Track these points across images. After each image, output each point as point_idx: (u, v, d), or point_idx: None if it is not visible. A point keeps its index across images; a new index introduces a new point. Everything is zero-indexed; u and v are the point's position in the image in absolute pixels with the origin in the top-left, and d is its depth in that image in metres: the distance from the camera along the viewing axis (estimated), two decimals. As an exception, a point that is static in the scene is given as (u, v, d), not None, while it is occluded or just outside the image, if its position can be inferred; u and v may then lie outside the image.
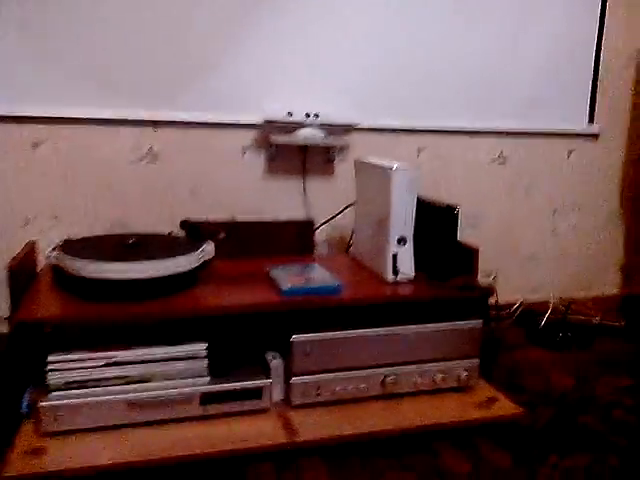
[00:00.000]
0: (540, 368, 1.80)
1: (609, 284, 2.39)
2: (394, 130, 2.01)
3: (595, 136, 2.24)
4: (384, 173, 1.51)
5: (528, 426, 1.44)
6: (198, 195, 1.89)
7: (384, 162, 1.53)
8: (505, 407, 1.44)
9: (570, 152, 2.23)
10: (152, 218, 1.85)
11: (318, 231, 1.99)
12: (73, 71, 1.73)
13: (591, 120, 2.21)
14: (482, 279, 2.18)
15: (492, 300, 2.16)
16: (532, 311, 2.15)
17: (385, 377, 1.44)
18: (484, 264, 2.21)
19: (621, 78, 2.23)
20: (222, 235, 1.52)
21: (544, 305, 2.16)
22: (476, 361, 1.50)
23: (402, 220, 1.51)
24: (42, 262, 1.58)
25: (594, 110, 2.21)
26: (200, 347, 1.35)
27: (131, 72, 1.77)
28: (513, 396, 1.51)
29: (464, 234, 2.11)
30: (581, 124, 2.20)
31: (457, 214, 1.53)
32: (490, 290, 1.55)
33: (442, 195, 2.10)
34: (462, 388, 1.50)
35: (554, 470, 1.25)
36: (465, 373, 1.49)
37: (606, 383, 1.71)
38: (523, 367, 1.81)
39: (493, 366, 1.77)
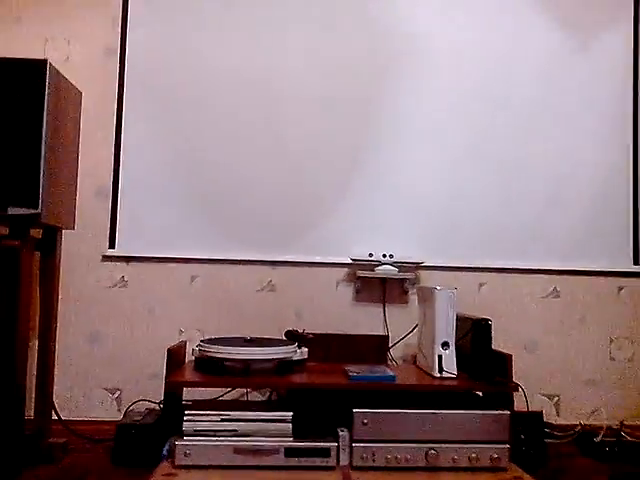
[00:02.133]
0: (583, 472, 2.03)
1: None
2: (458, 268, 2.53)
3: (643, 275, 2.57)
4: (432, 293, 2.03)
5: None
6: (301, 316, 2.50)
7: (433, 285, 2.05)
8: (527, 483, 1.74)
9: (620, 289, 2.56)
10: (267, 331, 2.47)
11: (395, 348, 2.47)
12: (221, 229, 2.51)
13: (636, 261, 2.56)
14: (545, 401, 2.49)
15: (553, 420, 2.45)
16: (591, 432, 2.36)
17: (428, 451, 1.82)
18: (546, 388, 2.53)
19: (662, 226, 2.60)
20: (310, 336, 2.08)
21: (603, 430, 2.37)
22: (506, 446, 1.84)
23: (445, 328, 1.98)
24: (188, 359, 2.23)
25: (637, 252, 2.56)
26: (287, 414, 1.86)
27: (257, 229, 2.52)
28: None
29: (523, 359, 2.48)
30: (627, 264, 2.56)
31: (489, 325, 1.97)
32: (517, 387, 1.90)
33: (502, 324, 2.51)
34: (494, 469, 1.82)
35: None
36: (496, 455, 1.83)
37: (642, 485, 1.90)
38: (568, 470, 2.05)
39: (540, 467, 2.05)
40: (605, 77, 2.64)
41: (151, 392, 2.44)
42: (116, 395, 2.44)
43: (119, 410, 2.42)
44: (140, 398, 2.42)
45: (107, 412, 2.43)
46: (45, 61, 1.93)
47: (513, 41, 2.62)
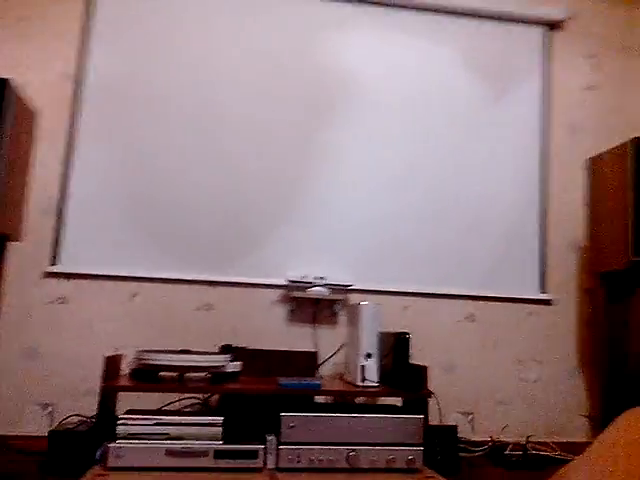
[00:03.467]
0: (490, 476, 2.22)
1: (578, 432, 2.77)
2: (384, 292, 2.73)
3: (548, 302, 2.84)
4: (356, 308, 2.21)
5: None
6: (237, 333, 2.62)
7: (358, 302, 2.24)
8: (437, 480, 1.90)
9: (529, 314, 2.83)
10: (204, 348, 2.58)
11: (324, 367, 2.63)
12: (162, 250, 2.64)
13: (543, 289, 2.84)
14: (460, 418, 2.68)
15: (467, 436, 2.64)
16: (501, 446, 2.57)
17: (349, 453, 1.97)
18: (461, 406, 2.72)
19: (566, 258, 2.90)
20: (241, 348, 2.21)
21: (513, 444, 2.58)
22: (420, 448, 2.00)
23: (368, 340, 2.16)
24: (124, 372, 2.31)
25: (544, 281, 2.85)
26: (218, 419, 1.97)
27: (197, 250, 2.66)
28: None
29: (441, 378, 2.68)
30: (535, 292, 2.83)
31: (408, 339, 2.16)
32: (430, 394, 2.09)
33: (421, 345, 2.72)
34: (410, 470, 1.98)
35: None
36: (411, 457, 1.99)
37: (540, 486, 2.10)
38: (478, 476, 2.23)
39: (453, 475, 2.22)
40: (518, 121, 2.97)
41: (85, 408, 2.49)
42: (49, 410, 2.48)
43: (51, 426, 2.45)
44: (73, 413, 2.46)
45: (39, 427, 2.45)
46: (6, 79, 2.07)
47: (437, 85, 2.93)
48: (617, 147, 2.62)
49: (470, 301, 2.80)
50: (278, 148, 2.77)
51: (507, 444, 2.53)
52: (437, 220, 2.83)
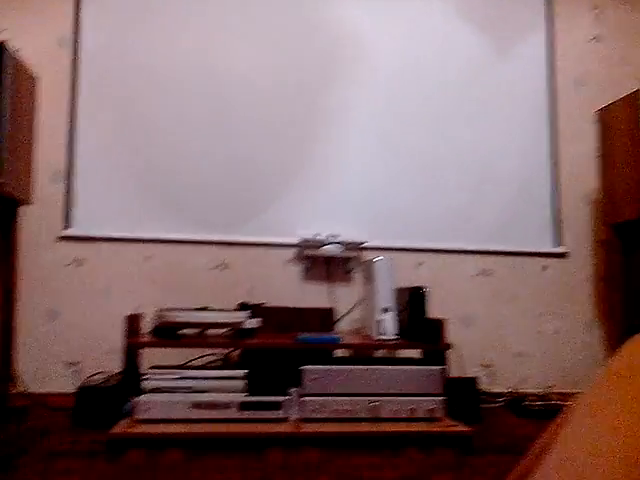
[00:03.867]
0: (510, 426, 2.25)
1: (595, 380, 2.79)
2: (398, 249, 2.74)
3: (564, 255, 2.84)
4: (372, 264, 2.22)
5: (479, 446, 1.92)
6: (253, 292, 2.64)
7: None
8: (459, 428, 1.93)
9: (544, 268, 2.83)
10: (222, 305, 2.61)
11: (341, 323, 2.65)
12: (175, 211, 2.64)
13: (557, 242, 2.84)
14: (479, 370, 2.71)
15: (487, 388, 2.67)
16: (520, 397, 2.60)
17: (370, 403, 2.00)
18: (480, 359, 2.75)
19: (579, 211, 2.89)
20: (263, 304, 2.24)
21: (533, 395, 2.61)
22: (441, 398, 2.03)
23: (384, 295, 2.17)
24: (144, 331, 2.34)
25: (560, 234, 2.84)
26: (241, 372, 2.01)
27: (211, 211, 2.66)
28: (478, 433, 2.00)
29: (459, 332, 2.70)
30: (549, 245, 2.83)
31: (424, 293, 2.17)
32: (449, 346, 2.11)
33: (438, 300, 2.73)
34: (430, 419, 2.01)
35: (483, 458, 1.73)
36: (432, 405, 2.02)
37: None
38: (498, 424, 2.26)
39: (474, 423, 2.25)
40: (524, 75, 2.93)
41: (108, 366, 2.53)
42: (74, 369, 2.52)
43: (77, 383, 2.49)
44: (98, 371, 2.50)
45: (65, 385, 2.50)
46: (2, 42, 2.04)
47: (441, 42, 2.88)
48: (627, 97, 2.58)
49: (485, 256, 2.80)
50: (286, 109, 2.74)
51: (526, 395, 2.56)
52: (450, 176, 2.81)
